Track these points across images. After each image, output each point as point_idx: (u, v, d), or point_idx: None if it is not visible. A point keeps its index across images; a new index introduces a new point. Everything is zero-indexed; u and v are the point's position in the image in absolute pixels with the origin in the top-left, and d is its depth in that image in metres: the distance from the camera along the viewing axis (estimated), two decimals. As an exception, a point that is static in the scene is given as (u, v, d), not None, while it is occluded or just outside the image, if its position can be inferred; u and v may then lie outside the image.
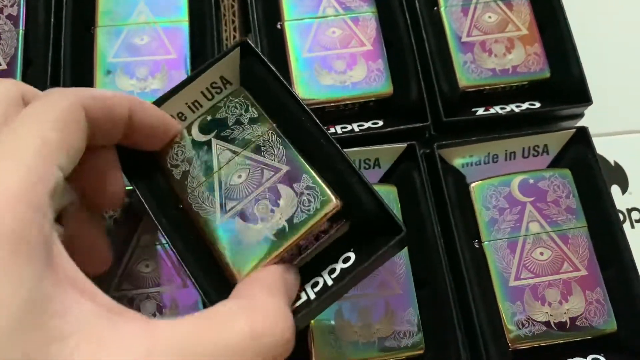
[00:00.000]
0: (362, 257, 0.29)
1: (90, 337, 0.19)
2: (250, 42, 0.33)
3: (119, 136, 0.29)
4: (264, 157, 0.31)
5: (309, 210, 0.29)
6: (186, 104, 0.34)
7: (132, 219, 0.40)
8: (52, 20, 0.46)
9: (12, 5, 0.47)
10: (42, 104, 0.24)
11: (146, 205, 0.32)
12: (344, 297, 0.38)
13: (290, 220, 0.29)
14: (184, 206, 0.31)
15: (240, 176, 0.31)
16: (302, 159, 0.30)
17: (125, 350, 0.20)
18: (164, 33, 0.47)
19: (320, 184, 0.30)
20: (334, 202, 0.29)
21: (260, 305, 0.24)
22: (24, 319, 0.18)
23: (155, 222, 0.31)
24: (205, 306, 0.38)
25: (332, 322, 0.38)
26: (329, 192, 0.29)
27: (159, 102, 0.33)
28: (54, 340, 0.18)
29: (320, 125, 0.31)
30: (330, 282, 0.29)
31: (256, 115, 0.33)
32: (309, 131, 0.31)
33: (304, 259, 0.31)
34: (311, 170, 0.30)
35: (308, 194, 0.29)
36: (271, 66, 0.32)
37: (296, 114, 0.31)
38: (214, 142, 0.32)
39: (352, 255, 0.30)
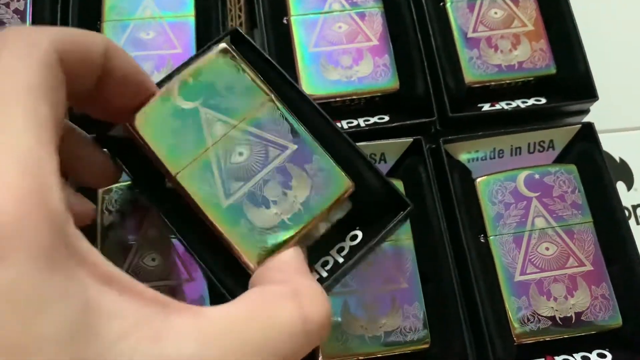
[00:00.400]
0: (370, 233, 0.30)
1: (147, 334, 0.19)
2: (240, 30, 0.33)
3: (91, 85, 0.25)
4: (266, 132, 0.29)
5: (324, 192, 0.28)
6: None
7: (137, 212, 0.40)
8: (58, 14, 0.46)
9: (18, 0, 0.47)
10: (14, 57, 0.20)
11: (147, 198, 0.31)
12: (350, 291, 0.39)
13: (305, 204, 0.28)
14: (172, 184, 0.28)
15: (241, 153, 0.28)
16: (311, 137, 0.29)
17: (182, 343, 0.19)
18: (170, 28, 0.47)
19: (333, 165, 0.29)
20: (348, 183, 0.28)
21: (303, 289, 0.24)
22: (79, 326, 0.17)
23: (163, 217, 0.30)
24: (213, 299, 0.38)
25: (339, 317, 0.38)
26: (343, 174, 0.29)
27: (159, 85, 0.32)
28: (113, 343, 0.18)
29: (319, 108, 0.31)
30: (341, 260, 0.30)
31: (250, 82, 0.29)
32: (306, 115, 0.31)
33: (313, 241, 0.30)
34: (322, 151, 0.29)
35: (321, 175, 0.28)
36: (263, 52, 0.32)
37: (293, 99, 0.31)
38: (202, 110, 0.29)
39: (359, 233, 0.30)
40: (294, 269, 0.26)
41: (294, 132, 0.29)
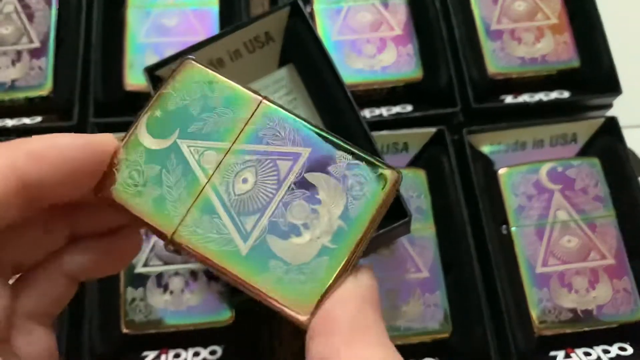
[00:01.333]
0: None
1: None
2: (300, 4, 0.33)
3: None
4: (268, 144, 0.23)
5: (364, 194, 0.22)
6: (227, 51, 0.33)
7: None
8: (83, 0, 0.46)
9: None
10: None
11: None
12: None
13: (345, 216, 0.22)
14: (174, 247, 0.22)
15: (245, 180, 0.22)
16: (324, 131, 0.23)
17: None
18: (194, 15, 0.48)
19: (364, 157, 0.22)
20: (393, 173, 0.22)
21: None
22: None
23: None
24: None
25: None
26: (380, 163, 0.22)
27: (198, 47, 0.32)
28: None
29: (353, 101, 0.31)
30: None
31: (230, 91, 0.24)
32: (338, 104, 0.31)
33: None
34: (344, 143, 0.23)
35: (354, 175, 0.22)
36: (315, 32, 0.32)
37: (331, 87, 0.31)
38: (181, 144, 0.23)
39: None
40: (357, 309, 0.20)
41: (302, 132, 0.23)
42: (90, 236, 0.24)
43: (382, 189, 0.22)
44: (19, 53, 0.45)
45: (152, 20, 0.47)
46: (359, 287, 0.21)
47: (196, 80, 0.24)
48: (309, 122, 0.23)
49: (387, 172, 0.22)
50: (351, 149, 0.23)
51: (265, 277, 0.21)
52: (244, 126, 0.23)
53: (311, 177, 0.22)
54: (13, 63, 0.45)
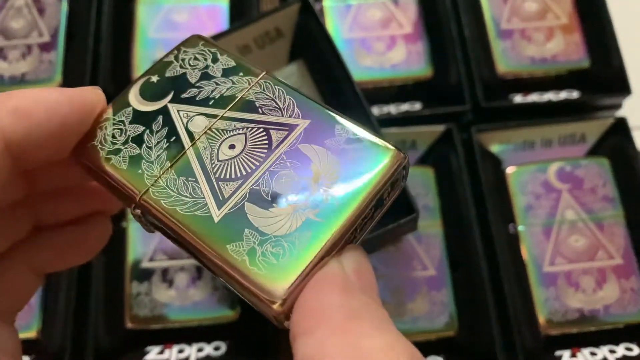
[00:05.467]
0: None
1: None
2: (310, 0, 0.33)
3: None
4: (264, 114, 0.21)
5: (363, 168, 0.19)
6: (236, 46, 0.33)
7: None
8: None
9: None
10: None
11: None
12: (377, 276, 0.38)
13: (337, 191, 0.19)
14: (141, 208, 0.20)
15: (232, 146, 0.20)
16: (326, 106, 0.21)
17: None
18: (205, 11, 0.48)
19: (367, 133, 0.20)
20: (396, 152, 0.20)
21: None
22: None
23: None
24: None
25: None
26: (383, 141, 0.20)
27: None
28: None
29: (363, 98, 0.31)
30: None
31: (233, 63, 0.23)
32: (347, 101, 0.31)
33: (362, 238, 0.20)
34: (344, 118, 0.21)
35: (354, 148, 0.20)
36: (325, 28, 0.32)
37: (341, 84, 0.31)
38: (171, 108, 0.22)
39: None
40: (343, 294, 0.17)
41: (303, 105, 0.21)
42: (55, 227, 0.23)
43: (382, 167, 0.19)
44: (29, 47, 0.46)
45: (162, 16, 0.47)
46: (344, 268, 0.18)
47: (200, 51, 0.23)
48: (310, 97, 0.21)
49: (390, 151, 0.20)
50: (352, 123, 0.20)
51: (235, 247, 0.18)
52: (241, 96, 0.22)
53: (305, 148, 0.20)
54: (23, 56, 0.45)
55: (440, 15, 0.46)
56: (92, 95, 0.21)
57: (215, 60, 0.23)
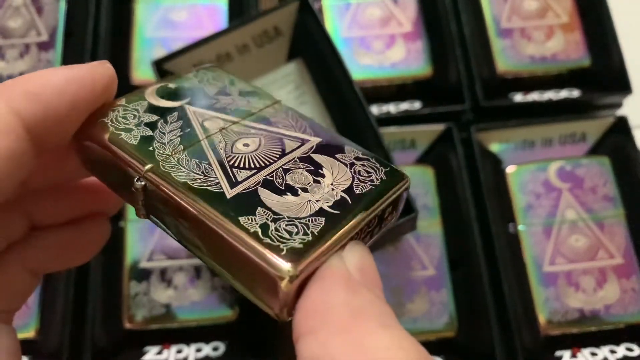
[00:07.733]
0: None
1: None
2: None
3: None
4: (279, 127, 0.22)
5: (371, 180, 0.20)
6: (235, 45, 0.33)
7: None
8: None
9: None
10: None
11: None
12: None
13: (350, 191, 0.19)
14: (147, 180, 0.19)
15: (247, 145, 0.21)
16: (335, 132, 0.23)
17: None
18: (203, 11, 0.48)
19: (374, 155, 0.21)
20: (403, 174, 0.21)
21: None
22: None
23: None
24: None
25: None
26: (391, 164, 0.21)
27: (206, 41, 0.32)
28: None
29: (362, 97, 0.31)
30: None
31: (249, 88, 0.24)
32: (346, 100, 0.31)
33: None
34: (354, 144, 0.22)
35: (362, 164, 0.20)
36: (324, 27, 0.32)
37: (340, 82, 0.31)
38: (188, 109, 0.22)
39: None
40: (346, 291, 0.16)
41: (315, 127, 0.22)
42: (52, 227, 0.23)
43: (390, 183, 0.20)
44: (27, 46, 0.46)
45: (160, 15, 0.47)
46: (347, 264, 0.17)
47: (218, 75, 0.24)
48: (322, 125, 0.22)
49: (397, 173, 0.20)
50: (361, 148, 0.21)
51: (247, 220, 0.17)
52: (257, 111, 0.22)
53: (317, 157, 0.20)
54: (21, 56, 0.45)
55: (439, 14, 0.46)
56: (102, 69, 0.20)
57: (232, 84, 0.23)
